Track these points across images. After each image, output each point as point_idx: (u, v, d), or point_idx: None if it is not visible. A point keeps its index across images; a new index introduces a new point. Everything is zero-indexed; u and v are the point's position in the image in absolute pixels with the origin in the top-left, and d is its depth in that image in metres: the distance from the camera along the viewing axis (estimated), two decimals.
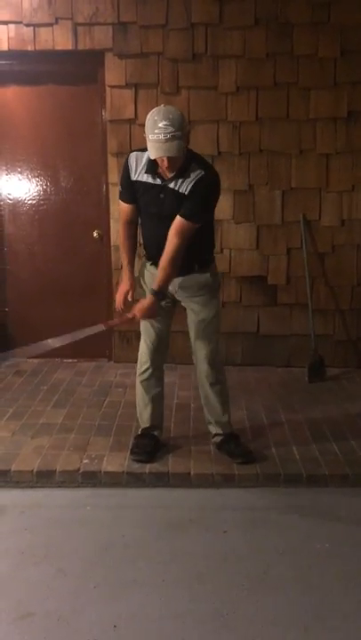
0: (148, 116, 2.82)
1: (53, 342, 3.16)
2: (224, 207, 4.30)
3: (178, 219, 2.91)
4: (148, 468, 3.14)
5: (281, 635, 2.14)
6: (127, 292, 3.23)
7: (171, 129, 2.72)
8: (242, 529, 2.75)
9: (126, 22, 4.26)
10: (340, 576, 2.44)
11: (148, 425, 3.31)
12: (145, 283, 3.17)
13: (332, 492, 3.04)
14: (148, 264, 3.17)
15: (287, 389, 4.26)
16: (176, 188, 2.91)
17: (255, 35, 4.26)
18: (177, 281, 3.07)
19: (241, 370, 4.53)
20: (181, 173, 2.89)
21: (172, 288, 3.10)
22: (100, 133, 4.55)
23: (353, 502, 2.98)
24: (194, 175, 2.88)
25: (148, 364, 3.25)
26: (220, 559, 2.54)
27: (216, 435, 3.30)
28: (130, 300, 3.23)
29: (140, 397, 3.32)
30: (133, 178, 2.99)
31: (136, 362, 3.29)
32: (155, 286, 2.98)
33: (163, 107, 2.83)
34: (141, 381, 3.29)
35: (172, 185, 2.91)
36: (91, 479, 3.10)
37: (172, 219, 2.92)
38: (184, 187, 2.89)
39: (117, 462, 3.18)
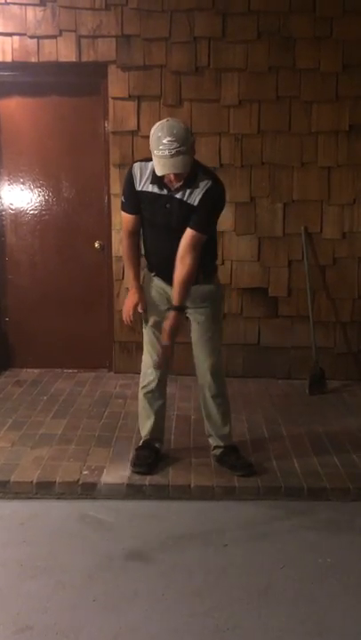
0: (153, 132, 2.80)
1: None
2: (226, 219, 4.29)
3: (190, 232, 2.88)
4: (148, 479, 3.12)
5: None
6: (136, 305, 3.17)
7: (175, 144, 2.71)
8: (242, 542, 2.72)
9: (130, 35, 4.29)
10: (341, 590, 2.42)
11: (149, 437, 3.29)
12: (152, 296, 3.14)
13: (333, 506, 3.03)
14: (152, 276, 3.15)
15: (288, 401, 4.25)
16: (184, 199, 2.89)
17: (258, 48, 4.29)
18: None
19: (242, 381, 4.51)
20: (189, 184, 2.87)
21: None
22: (102, 145, 4.57)
23: (354, 516, 2.96)
24: (203, 185, 2.87)
25: (152, 377, 3.21)
26: (220, 573, 2.51)
27: (216, 447, 3.28)
28: (140, 311, 3.18)
29: (143, 409, 3.30)
30: (138, 188, 2.96)
31: (137, 373, 3.27)
32: (176, 302, 2.96)
33: (166, 121, 2.81)
34: (145, 394, 3.26)
35: (179, 195, 2.89)
36: (90, 491, 3.08)
37: (179, 229, 2.90)
38: (193, 197, 2.88)
39: (117, 474, 3.16)
